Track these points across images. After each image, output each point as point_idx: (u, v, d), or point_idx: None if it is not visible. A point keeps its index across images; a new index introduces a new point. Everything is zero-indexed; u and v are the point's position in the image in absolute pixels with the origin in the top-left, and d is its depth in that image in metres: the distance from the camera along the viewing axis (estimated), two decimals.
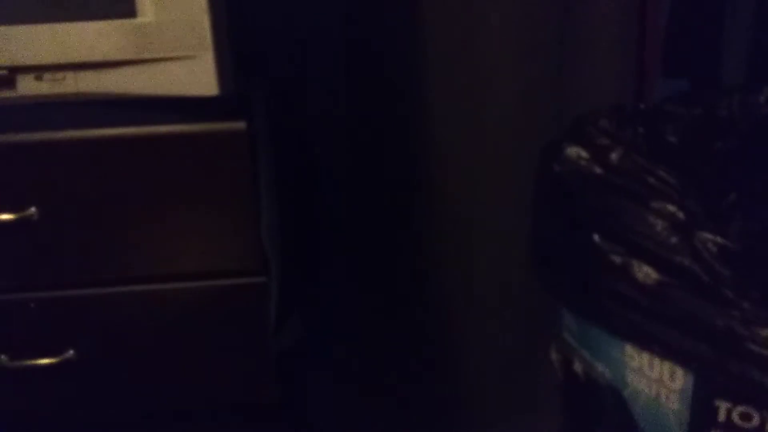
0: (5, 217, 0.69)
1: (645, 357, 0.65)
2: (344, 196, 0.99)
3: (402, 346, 1.03)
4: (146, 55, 0.64)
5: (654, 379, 0.64)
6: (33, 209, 0.69)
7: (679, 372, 0.62)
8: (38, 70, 0.65)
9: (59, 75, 0.65)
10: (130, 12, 0.63)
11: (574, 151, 0.67)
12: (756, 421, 0.59)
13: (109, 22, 0.63)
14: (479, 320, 1.02)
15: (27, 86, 0.65)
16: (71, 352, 0.73)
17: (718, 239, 0.58)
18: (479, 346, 1.04)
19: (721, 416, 0.60)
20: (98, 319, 0.73)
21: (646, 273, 0.61)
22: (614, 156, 0.65)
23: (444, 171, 0.97)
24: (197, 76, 0.65)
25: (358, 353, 1.03)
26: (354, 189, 0.99)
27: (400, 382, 1.03)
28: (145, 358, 0.75)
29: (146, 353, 0.74)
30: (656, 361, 0.64)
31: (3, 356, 0.72)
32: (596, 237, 0.64)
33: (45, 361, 0.73)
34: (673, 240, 0.60)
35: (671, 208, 0.60)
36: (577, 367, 0.74)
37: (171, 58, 0.65)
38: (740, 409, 0.59)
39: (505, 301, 1.01)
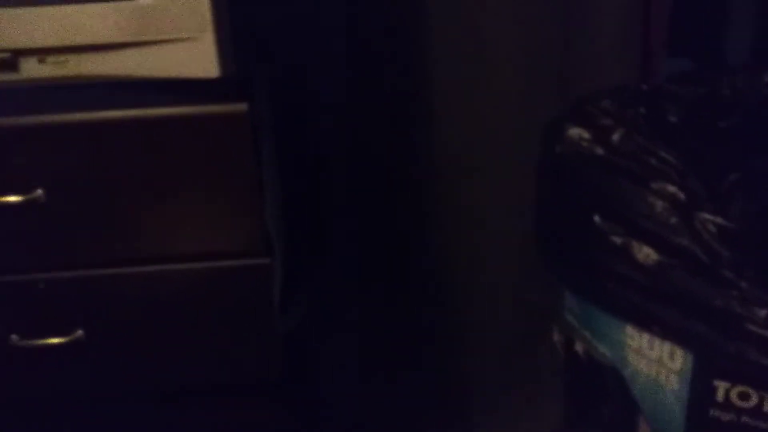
0: (13, 199, 0.70)
1: (645, 337, 0.65)
2: (348, 179, 0.99)
3: (407, 328, 1.04)
4: (147, 37, 0.64)
5: (654, 360, 0.65)
6: (40, 191, 0.70)
7: (679, 352, 0.62)
8: (41, 53, 0.65)
9: (61, 58, 0.65)
10: None
11: (575, 131, 0.67)
12: (754, 400, 0.59)
13: (110, 4, 0.63)
14: (484, 303, 1.03)
15: (30, 69, 0.66)
16: (80, 331, 0.74)
17: (718, 219, 0.57)
18: (483, 328, 1.04)
19: (720, 396, 0.60)
20: (106, 299, 0.74)
21: (646, 253, 0.61)
22: (616, 136, 0.65)
23: (447, 153, 0.97)
24: (198, 57, 0.65)
25: (363, 334, 1.04)
26: (358, 172, 0.99)
27: (405, 362, 1.04)
28: (152, 337, 0.76)
29: (153, 333, 0.75)
30: (656, 342, 0.64)
31: (13, 336, 0.73)
32: (597, 218, 0.64)
33: (54, 340, 0.74)
34: (673, 220, 0.59)
35: (672, 188, 0.60)
36: (579, 347, 0.75)
37: (172, 40, 0.65)
38: (738, 388, 0.59)
39: (510, 285, 1.01)
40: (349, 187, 0.99)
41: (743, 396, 0.60)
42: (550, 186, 0.72)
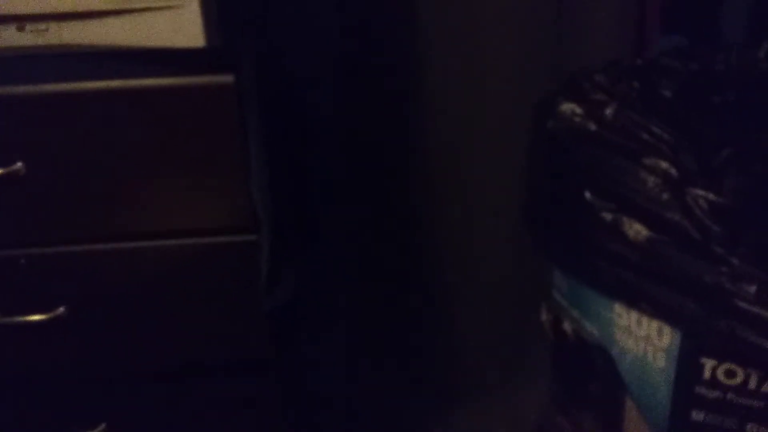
0: None
1: (633, 315, 0.65)
2: (337, 157, 0.98)
3: (395, 309, 1.03)
4: (130, 5, 0.63)
5: (642, 338, 0.65)
6: (20, 164, 0.68)
7: (667, 330, 0.62)
8: (20, 20, 0.63)
9: (42, 25, 0.64)
10: None
11: (568, 107, 0.66)
12: (740, 377, 0.59)
13: None
14: (473, 284, 1.03)
15: (9, 37, 0.64)
16: (61, 308, 0.73)
17: (710, 195, 0.57)
18: (472, 309, 1.04)
19: (707, 374, 0.60)
20: (88, 276, 0.73)
21: (636, 230, 0.61)
22: (608, 111, 0.64)
23: (439, 134, 0.96)
24: (183, 26, 0.63)
25: (351, 315, 1.03)
26: (347, 151, 0.98)
27: (393, 344, 1.04)
28: (135, 315, 0.75)
29: (136, 310, 0.74)
30: (644, 320, 0.64)
31: None
32: (587, 194, 0.64)
33: (35, 317, 0.73)
34: (665, 196, 0.59)
35: (664, 164, 0.60)
36: (567, 326, 0.75)
37: (156, 8, 0.63)
38: (725, 366, 0.59)
39: (499, 266, 1.01)
40: (337, 166, 0.98)
41: (729, 373, 0.60)
42: (540, 162, 0.71)
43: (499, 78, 0.93)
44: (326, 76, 0.94)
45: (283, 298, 0.87)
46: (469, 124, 0.95)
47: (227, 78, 0.67)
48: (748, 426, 0.60)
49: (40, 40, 0.64)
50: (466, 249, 1.01)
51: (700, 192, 0.58)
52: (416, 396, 1.02)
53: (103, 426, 0.78)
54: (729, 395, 0.60)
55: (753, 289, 0.55)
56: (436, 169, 0.98)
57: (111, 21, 0.64)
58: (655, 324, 0.63)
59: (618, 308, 0.66)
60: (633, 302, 0.64)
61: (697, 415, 0.62)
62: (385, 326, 1.03)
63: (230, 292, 0.75)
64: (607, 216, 0.62)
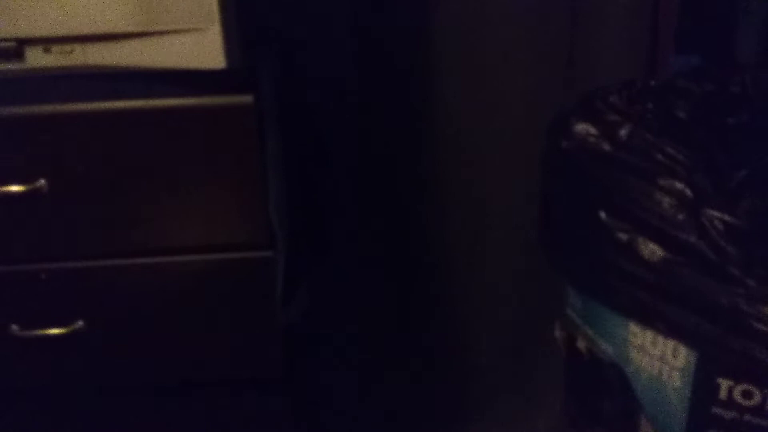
0: (15, 188, 0.69)
1: (648, 335, 0.65)
2: (352, 173, 0.99)
3: (408, 324, 1.04)
4: (153, 28, 0.64)
5: (657, 357, 0.64)
6: (42, 181, 0.69)
7: (682, 350, 0.62)
8: (46, 42, 0.65)
9: (67, 47, 0.65)
10: None
11: (582, 127, 0.66)
12: (757, 398, 0.59)
13: None
14: (485, 299, 1.03)
15: (35, 58, 0.65)
16: (80, 323, 0.74)
17: (725, 216, 0.57)
18: (485, 323, 1.04)
19: (723, 394, 0.60)
20: (107, 290, 0.74)
21: (652, 250, 0.61)
22: (623, 132, 0.64)
23: (454, 148, 0.97)
24: (204, 48, 0.64)
25: (364, 329, 1.04)
26: (362, 166, 0.98)
27: (406, 358, 1.04)
28: (152, 330, 0.75)
29: (154, 325, 0.75)
30: (659, 339, 0.64)
31: (14, 326, 0.73)
32: (603, 214, 0.64)
33: (55, 331, 0.73)
34: (680, 217, 0.59)
35: (679, 185, 0.60)
36: (581, 344, 0.74)
37: (178, 31, 0.64)
38: (742, 387, 0.59)
39: (512, 281, 1.01)
40: (352, 181, 0.99)
41: (746, 394, 0.60)
42: (555, 181, 0.71)
43: (512, 94, 0.94)
44: (343, 94, 0.95)
45: (297, 314, 0.88)
46: (482, 140, 0.96)
47: (247, 98, 0.69)
48: None
49: (65, 62, 0.66)
50: (480, 264, 1.01)
51: (716, 213, 0.58)
52: (428, 410, 1.02)
53: None
54: (746, 416, 0.60)
55: None
56: (450, 184, 0.98)
57: (134, 43, 0.65)
58: (670, 343, 0.63)
59: (633, 327, 0.66)
60: (648, 322, 0.64)
61: None
62: (397, 340, 1.03)
63: (246, 309, 0.75)
64: (623, 236, 0.63)
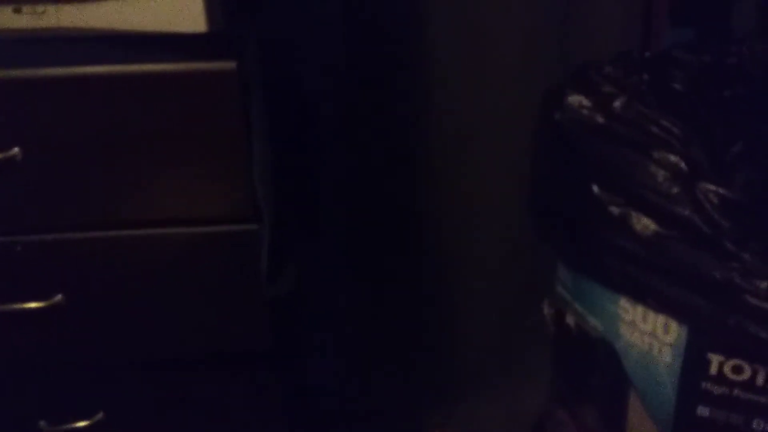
0: None
1: (639, 310, 0.64)
2: (340, 147, 0.97)
3: (397, 301, 1.03)
4: None
5: (647, 333, 0.64)
6: (16, 149, 0.67)
7: (673, 325, 0.62)
8: (17, 2, 0.62)
9: (39, 8, 0.62)
10: None
11: (576, 99, 0.65)
12: (747, 373, 0.59)
13: None
14: (476, 276, 1.02)
15: (5, 19, 0.63)
16: (59, 296, 0.72)
17: (721, 190, 0.56)
18: (475, 301, 1.03)
19: (713, 369, 0.60)
20: (87, 264, 0.72)
21: (644, 224, 0.60)
22: (617, 104, 0.63)
23: (443, 122, 0.95)
24: (184, 10, 0.62)
25: (352, 306, 1.03)
26: (350, 140, 0.97)
27: (395, 336, 1.03)
28: (134, 303, 0.74)
29: (136, 299, 0.74)
30: (650, 315, 0.63)
31: None
32: (595, 188, 0.63)
33: (33, 305, 0.72)
34: (674, 190, 0.58)
35: (674, 158, 0.59)
36: (570, 320, 0.74)
37: None
38: (733, 362, 0.59)
39: (501, 259, 1.00)
40: (339, 159, 0.97)
41: (737, 369, 0.60)
42: (547, 154, 0.70)
43: (504, 69, 0.92)
44: (331, 67, 0.92)
45: (285, 289, 0.87)
46: (472, 117, 0.95)
47: (230, 64, 0.66)
48: (755, 422, 0.60)
49: (37, 23, 0.63)
50: (467, 244, 1.01)
51: (711, 186, 0.57)
52: (417, 390, 1.02)
53: (100, 415, 0.77)
54: (736, 391, 0.60)
55: (764, 284, 0.55)
56: (439, 163, 0.97)
57: (110, 4, 0.62)
58: (661, 319, 0.62)
59: (623, 303, 0.65)
60: (639, 297, 0.63)
61: (703, 411, 0.62)
62: (386, 321, 1.03)
63: (230, 282, 0.74)
64: (615, 210, 0.62)
